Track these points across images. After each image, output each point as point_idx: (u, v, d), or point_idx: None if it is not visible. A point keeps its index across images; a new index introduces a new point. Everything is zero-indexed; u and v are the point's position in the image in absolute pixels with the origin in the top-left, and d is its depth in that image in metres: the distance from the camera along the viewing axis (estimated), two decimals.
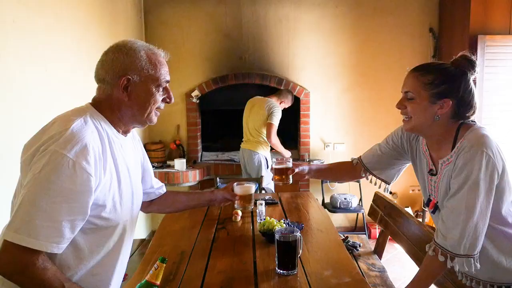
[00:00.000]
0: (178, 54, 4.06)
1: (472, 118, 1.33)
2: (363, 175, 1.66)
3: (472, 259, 1.22)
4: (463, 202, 1.21)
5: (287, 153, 3.66)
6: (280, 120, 3.57)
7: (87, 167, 0.97)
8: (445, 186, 1.31)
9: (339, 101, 4.15)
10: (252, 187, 1.56)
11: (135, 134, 1.37)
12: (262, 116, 3.51)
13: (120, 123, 1.17)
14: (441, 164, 1.33)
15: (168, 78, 1.19)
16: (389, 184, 1.64)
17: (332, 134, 4.20)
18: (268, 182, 3.56)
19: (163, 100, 1.21)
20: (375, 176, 1.63)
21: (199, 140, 4.25)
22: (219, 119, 4.60)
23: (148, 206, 1.52)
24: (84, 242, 1.07)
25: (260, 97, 3.67)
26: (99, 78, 1.14)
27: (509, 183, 1.24)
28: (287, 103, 3.70)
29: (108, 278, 1.17)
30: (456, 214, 1.22)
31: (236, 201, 1.54)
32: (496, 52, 3.38)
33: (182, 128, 4.19)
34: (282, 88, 3.99)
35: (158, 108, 1.20)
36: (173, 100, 1.23)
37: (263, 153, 3.56)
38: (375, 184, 1.65)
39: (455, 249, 1.23)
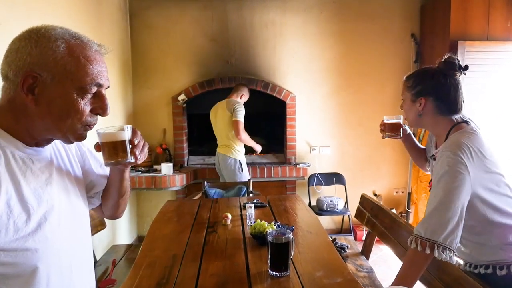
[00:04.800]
0: (164, 58, 4.06)
1: (461, 114, 1.50)
2: (428, 168, 1.76)
3: (442, 248, 1.30)
4: (432, 194, 1.38)
5: (258, 147, 3.73)
6: (267, 125, 3.60)
7: None
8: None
9: (325, 105, 4.21)
10: (122, 133, 0.99)
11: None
12: (228, 117, 3.54)
13: (27, 135, 0.87)
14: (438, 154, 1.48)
15: (101, 80, 0.86)
16: None
17: (317, 137, 4.24)
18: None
19: (93, 111, 0.88)
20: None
21: (185, 144, 4.23)
22: (205, 123, 4.58)
23: (100, 210, 1.26)
24: None
25: (220, 101, 3.69)
26: (2, 73, 0.86)
27: (495, 181, 1.36)
28: (246, 95, 3.73)
29: None
30: (428, 205, 1.39)
31: (102, 154, 1.02)
32: (475, 58, 3.49)
33: (168, 132, 4.17)
34: (268, 91, 4.05)
35: (85, 122, 0.87)
36: (107, 112, 0.89)
37: (236, 157, 3.57)
38: None
39: (419, 231, 1.35)
